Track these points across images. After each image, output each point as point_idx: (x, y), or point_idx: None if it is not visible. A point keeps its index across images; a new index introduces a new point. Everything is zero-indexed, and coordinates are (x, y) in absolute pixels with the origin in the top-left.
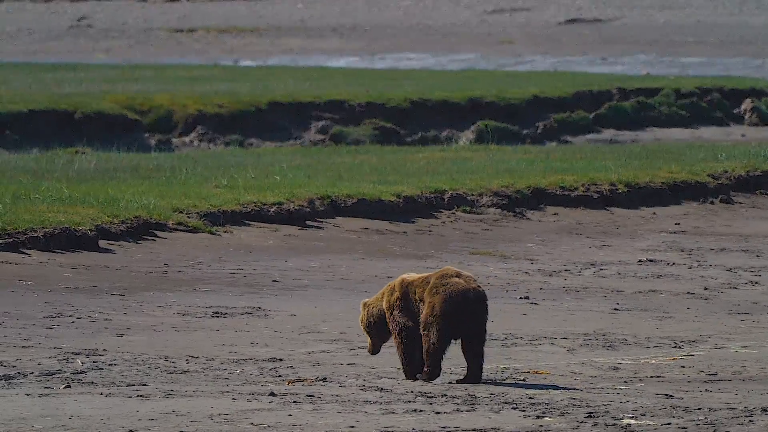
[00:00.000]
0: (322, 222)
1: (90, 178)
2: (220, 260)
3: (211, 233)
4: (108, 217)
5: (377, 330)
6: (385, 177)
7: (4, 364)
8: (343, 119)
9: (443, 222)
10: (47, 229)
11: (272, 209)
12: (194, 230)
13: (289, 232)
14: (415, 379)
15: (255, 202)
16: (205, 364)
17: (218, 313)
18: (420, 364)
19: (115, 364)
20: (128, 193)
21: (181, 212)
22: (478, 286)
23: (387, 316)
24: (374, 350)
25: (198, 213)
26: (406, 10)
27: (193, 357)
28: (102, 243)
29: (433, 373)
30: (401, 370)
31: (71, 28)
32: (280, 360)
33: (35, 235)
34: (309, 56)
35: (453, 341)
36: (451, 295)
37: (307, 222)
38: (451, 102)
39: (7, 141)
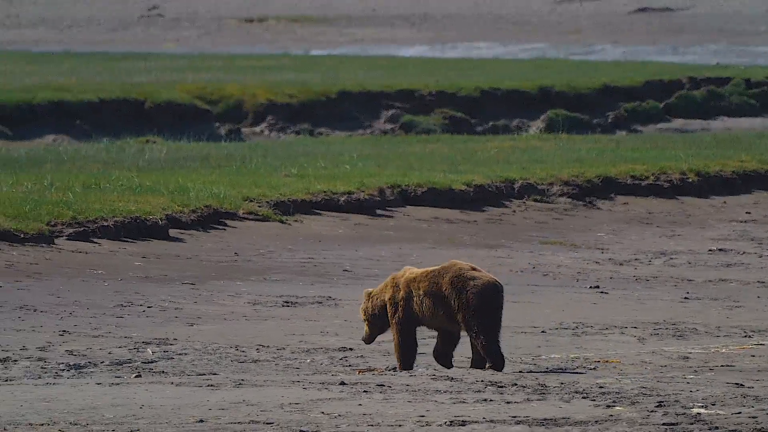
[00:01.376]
0: (392, 211)
1: (160, 168)
2: (290, 249)
3: (281, 222)
4: (178, 206)
5: (377, 321)
6: (456, 166)
7: (75, 353)
8: (414, 108)
9: (513, 211)
10: (118, 218)
11: (342, 198)
12: (264, 219)
13: (359, 221)
14: (411, 369)
15: (325, 192)
16: (275, 353)
17: (288, 303)
18: (413, 354)
19: (186, 354)
20: (198, 182)
21: (251, 201)
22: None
23: (389, 310)
24: (370, 339)
25: (268, 202)
26: (477, 0)
27: (263, 346)
28: (172, 232)
29: (500, 362)
30: (398, 365)
31: (142, 17)
32: (351, 349)
33: (106, 224)
34: (379, 45)
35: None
36: (484, 287)
37: (377, 211)
38: (521, 91)
39: (78, 130)
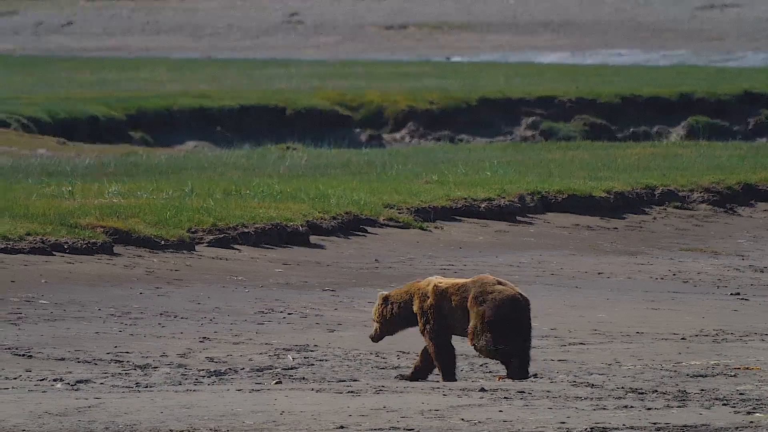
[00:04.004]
0: (532, 218)
1: (301, 174)
2: (430, 256)
3: (422, 229)
4: (319, 212)
5: (390, 324)
6: (596, 173)
7: (216, 360)
8: (553, 115)
9: (654, 218)
10: (258, 225)
11: (482, 205)
12: (405, 226)
13: (500, 227)
14: (455, 379)
15: (465, 198)
16: (415, 359)
17: None
18: (453, 361)
19: (326, 360)
20: (339, 188)
21: (391, 208)
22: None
23: (419, 320)
24: (377, 339)
25: (408, 209)
26: (617, 6)
27: (403, 353)
28: (313, 238)
29: (526, 374)
30: (441, 375)
31: (282, 24)
32: None
33: (246, 230)
34: (519, 52)
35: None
36: (503, 302)
37: (518, 217)
38: (661, 98)
39: (219, 137)
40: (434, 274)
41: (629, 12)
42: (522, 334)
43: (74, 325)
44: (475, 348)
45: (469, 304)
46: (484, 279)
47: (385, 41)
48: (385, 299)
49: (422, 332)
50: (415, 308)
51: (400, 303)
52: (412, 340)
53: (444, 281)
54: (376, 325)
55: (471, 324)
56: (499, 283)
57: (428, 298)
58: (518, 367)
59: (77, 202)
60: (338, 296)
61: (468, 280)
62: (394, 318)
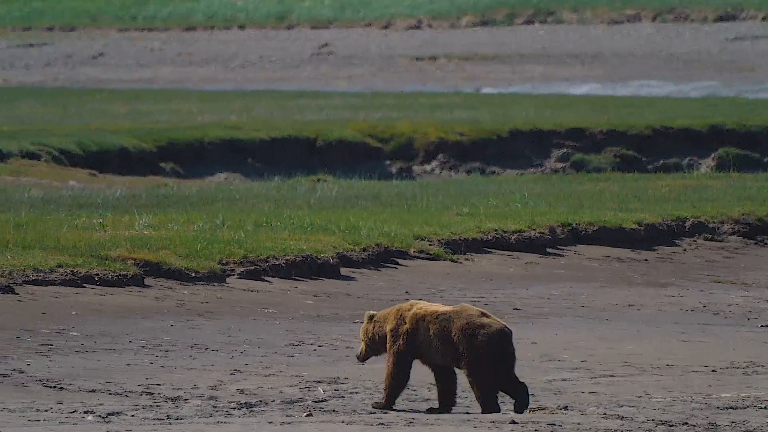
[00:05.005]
0: (562, 249)
1: (331, 206)
2: (461, 288)
3: (452, 261)
4: (349, 244)
5: (374, 345)
6: (626, 204)
7: (246, 392)
8: (584, 147)
9: (684, 249)
10: (289, 257)
11: (513, 237)
12: (435, 258)
13: (530, 259)
14: (393, 404)
15: (496, 230)
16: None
17: None
18: (403, 386)
19: (357, 392)
20: (369, 220)
21: (422, 240)
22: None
23: (389, 340)
24: (363, 359)
25: (439, 240)
26: (648, 38)
27: (433, 385)
28: (343, 270)
29: (494, 408)
30: (385, 392)
31: (313, 55)
32: None
33: (277, 262)
34: (550, 83)
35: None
36: (493, 336)
37: (548, 249)
38: (692, 129)
39: (250, 169)
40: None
41: (660, 44)
42: (509, 366)
43: (105, 357)
44: (470, 381)
45: (455, 337)
46: (468, 310)
47: (415, 72)
48: (371, 318)
49: (388, 351)
50: (388, 327)
51: (383, 326)
52: None
53: (424, 308)
54: (362, 344)
55: (465, 360)
56: (483, 314)
57: (405, 322)
58: (522, 395)
59: (108, 234)
60: None
61: (449, 309)
62: (378, 340)
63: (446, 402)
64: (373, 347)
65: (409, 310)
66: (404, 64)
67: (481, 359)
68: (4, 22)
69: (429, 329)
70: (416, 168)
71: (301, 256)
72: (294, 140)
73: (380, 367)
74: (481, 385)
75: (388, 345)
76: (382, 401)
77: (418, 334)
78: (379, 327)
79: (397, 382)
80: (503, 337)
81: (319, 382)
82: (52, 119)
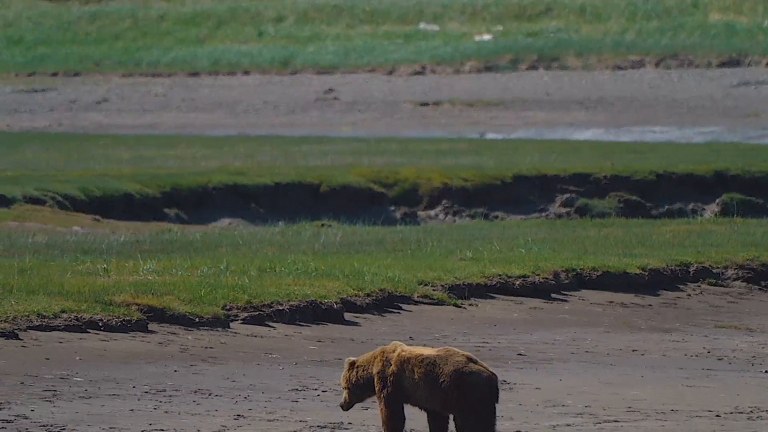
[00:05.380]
0: (567, 294)
1: (335, 251)
2: (465, 333)
3: (456, 306)
4: (353, 290)
5: (358, 391)
6: (631, 250)
7: None
8: (588, 192)
9: (689, 295)
10: (293, 302)
11: (517, 282)
12: (439, 303)
13: (534, 304)
14: None
15: (500, 275)
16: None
17: None
18: (402, 428)
19: None
20: (373, 266)
21: (426, 285)
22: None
23: (377, 383)
24: (347, 407)
25: (443, 286)
26: (651, 83)
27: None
28: (347, 315)
29: None
30: None
31: (317, 100)
32: None
33: (281, 308)
34: (554, 129)
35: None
36: (484, 383)
37: (552, 294)
38: (696, 175)
39: (254, 214)
40: (468, 351)
41: (664, 89)
42: (493, 413)
43: (109, 402)
44: (460, 428)
45: (443, 383)
46: (454, 355)
47: (419, 118)
48: (352, 365)
49: (378, 395)
50: (374, 370)
51: (368, 370)
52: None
53: (408, 350)
54: (345, 393)
55: (456, 409)
56: (470, 360)
57: (391, 364)
58: None
59: (112, 279)
60: None
61: (434, 352)
62: (360, 384)
63: None
64: (357, 393)
65: (393, 351)
66: (408, 110)
67: (473, 406)
68: (8, 67)
69: (414, 372)
70: (420, 213)
71: (305, 302)
72: (298, 185)
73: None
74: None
75: (377, 388)
76: None
77: (404, 376)
78: (364, 371)
79: (395, 423)
80: (491, 384)
81: (323, 427)
82: (55, 164)
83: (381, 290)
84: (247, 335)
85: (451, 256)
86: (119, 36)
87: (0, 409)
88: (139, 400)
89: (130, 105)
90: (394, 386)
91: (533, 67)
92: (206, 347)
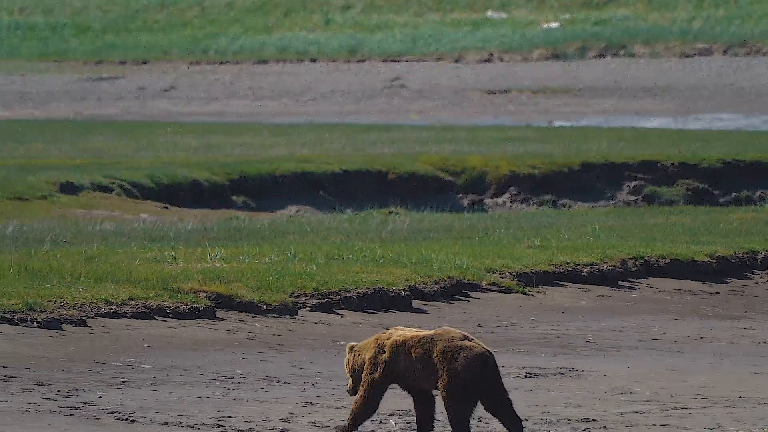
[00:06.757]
0: (634, 282)
1: (403, 239)
2: (532, 321)
3: (524, 293)
4: (421, 277)
5: (357, 376)
6: (698, 237)
7: (318, 424)
8: (656, 179)
9: (756, 282)
10: (360, 290)
11: (585, 270)
12: (507, 290)
13: (602, 292)
14: (356, 430)
15: (568, 263)
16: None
17: (531, 374)
18: (369, 415)
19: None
20: (441, 253)
21: (494, 272)
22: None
23: (366, 368)
24: (353, 392)
25: (511, 273)
26: (719, 71)
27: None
28: (415, 303)
29: (519, 425)
30: (350, 416)
31: (384, 88)
32: (593, 420)
33: (349, 295)
34: (622, 116)
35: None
36: (472, 360)
37: (620, 282)
38: (763, 162)
39: (322, 201)
40: (535, 339)
41: (731, 77)
42: (496, 389)
43: (177, 389)
44: (444, 404)
45: (436, 359)
46: (450, 333)
47: (487, 105)
48: (351, 349)
49: (364, 377)
50: (367, 356)
51: (364, 355)
52: (516, 405)
53: (403, 334)
54: (349, 378)
55: (442, 381)
56: (466, 338)
57: (384, 351)
58: (511, 419)
59: (180, 266)
60: None
61: (431, 332)
62: (356, 369)
63: (424, 428)
64: (358, 378)
65: (388, 338)
66: (475, 98)
67: (458, 383)
68: (76, 55)
69: (411, 353)
70: (488, 201)
71: (373, 289)
72: (365, 173)
73: None
74: (454, 409)
75: (365, 372)
76: (346, 424)
77: (399, 361)
78: (359, 356)
79: (366, 409)
80: (483, 361)
81: (391, 415)
82: (123, 152)
83: (449, 278)
84: (315, 322)
85: (519, 243)
86: (187, 24)
87: (69, 396)
88: (206, 387)
89: (197, 93)
90: (383, 373)
91: (601, 55)
92: (274, 335)
